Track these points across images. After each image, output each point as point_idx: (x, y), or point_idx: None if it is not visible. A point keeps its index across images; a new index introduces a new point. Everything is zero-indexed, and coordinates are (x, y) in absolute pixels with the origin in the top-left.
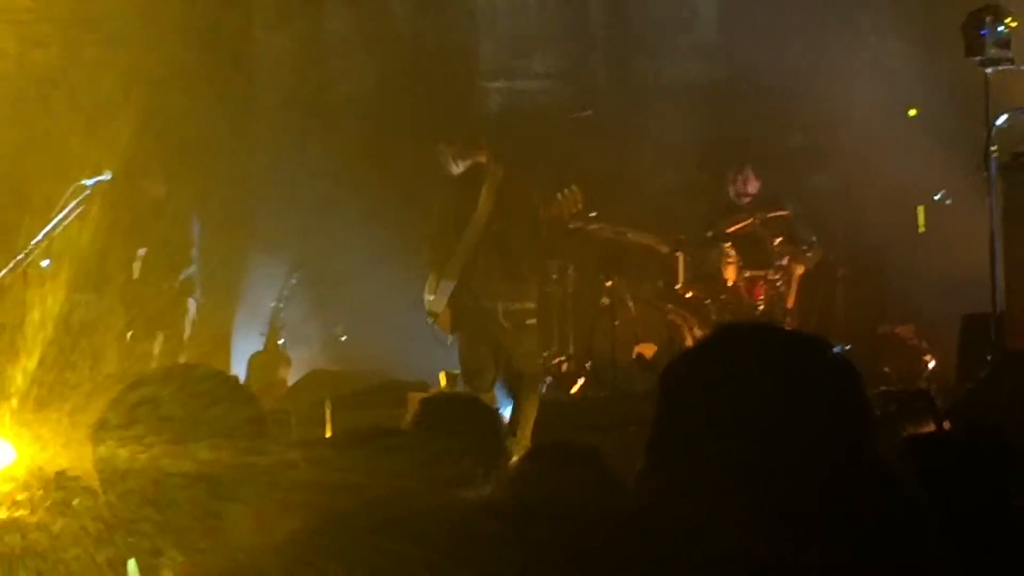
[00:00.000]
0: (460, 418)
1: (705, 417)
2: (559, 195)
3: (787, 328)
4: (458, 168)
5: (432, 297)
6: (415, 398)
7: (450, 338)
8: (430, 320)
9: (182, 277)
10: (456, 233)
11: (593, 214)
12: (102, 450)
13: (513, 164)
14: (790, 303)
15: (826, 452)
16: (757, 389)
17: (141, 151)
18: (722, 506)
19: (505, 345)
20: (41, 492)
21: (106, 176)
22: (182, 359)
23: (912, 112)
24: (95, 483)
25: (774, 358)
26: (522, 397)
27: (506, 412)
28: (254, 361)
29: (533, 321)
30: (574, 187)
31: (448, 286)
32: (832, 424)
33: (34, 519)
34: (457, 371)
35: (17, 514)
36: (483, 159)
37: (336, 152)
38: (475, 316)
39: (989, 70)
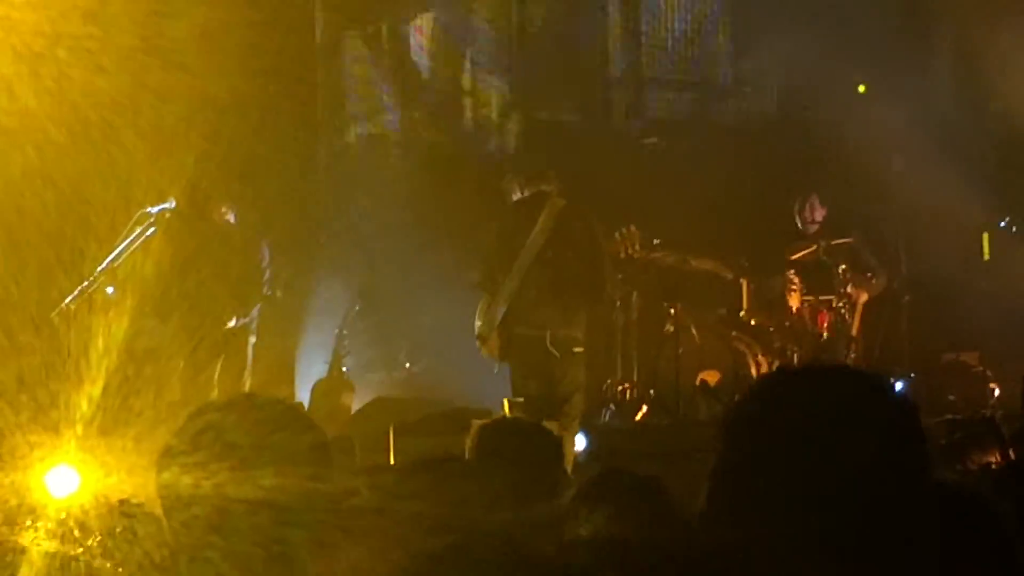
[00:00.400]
0: (520, 445)
1: (766, 461)
2: (617, 234)
3: (845, 367)
4: (521, 196)
5: (480, 322)
6: (478, 425)
7: (497, 365)
8: (478, 344)
9: (248, 305)
10: (510, 258)
11: (657, 241)
12: (166, 477)
13: (580, 190)
14: (854, 330)
15: (886, 488)
16: (815, 431)
17: (206, 178)
18: (785, 547)
19: (555, 373)
20: (105, 519)
21: (170, 204)
22: (247, 386)
23: (861, 88)
24: (159, 510)
25: (832, 400)
26: (562, 424)
27: (580, 442)
28: (318, 388)
29: (580, 350)
30: (632, 227)
31: (499, 311)
32: (891, 460)
33: (99, 546)
34: (520, 399)
35: (82, 541)
36: (548, 188)
37: (401, 179)
38: (523, 343)
39: None
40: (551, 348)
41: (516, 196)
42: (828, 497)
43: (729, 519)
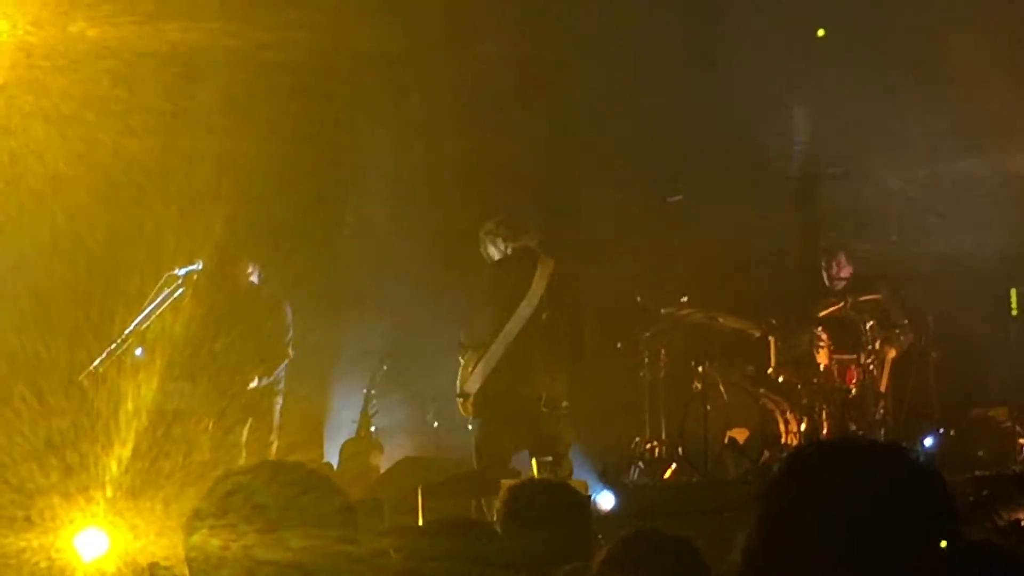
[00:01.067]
0: (549, 506)
1: (800, 535)
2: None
3: (872, 442)
4: (501, 251)
5: (465, 380)
6: (507, 486)
7: (471, 422)
8: (460, 400)
9: (272, 365)
10: (499, 319)
11: (684, 299)
12: (195, 539)
13: (605, 248)
14: (883, 387)
15: (915, 555)
16: (846, 506)
17: (234, 240)
18: None
19: (546, 432)
20: None
21: (198, 265)
22: (275, 447)
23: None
24: (187, 573)
25: (860, 474)
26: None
27: (609, 500)
28: (347, 448)
29: (567, 404)
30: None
31: (486, 369)
32: (919, 528)
33: None
34: (549, 459)
35: None
36: (531, 243)
37: (426, 239)
38: (508, 402)
39: None
40: (543, 408)
41: (498, 250)
42: (861, 567)
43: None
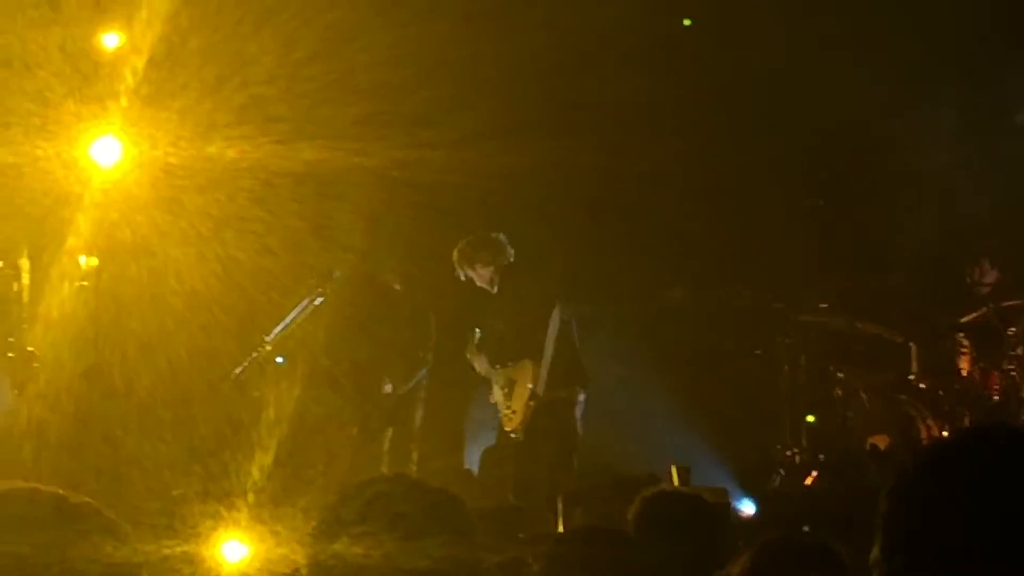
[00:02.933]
0: (683, 516)
1: (938, 525)
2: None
3: (1011, 426)
4: (493, 277)
5: (535, 386)
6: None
7: (521, 429)
8: (509, 415)
9: (411, 373)
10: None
11: (824, 305)
12: (337, 547)
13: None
14: None
15: None
16: (986, 496)
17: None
18: None
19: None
20: None
21: (336, 274)
22: (415, 457)
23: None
24: None
25: (1000, 461)
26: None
27: (749, 507)
28: (486, 456)
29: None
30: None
31: (544, 374)
32: None
33: None
34: (688, 465)
35: None
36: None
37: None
38: (559, 407)
39: None
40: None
41: (488, 271)
42: (1003, 562)
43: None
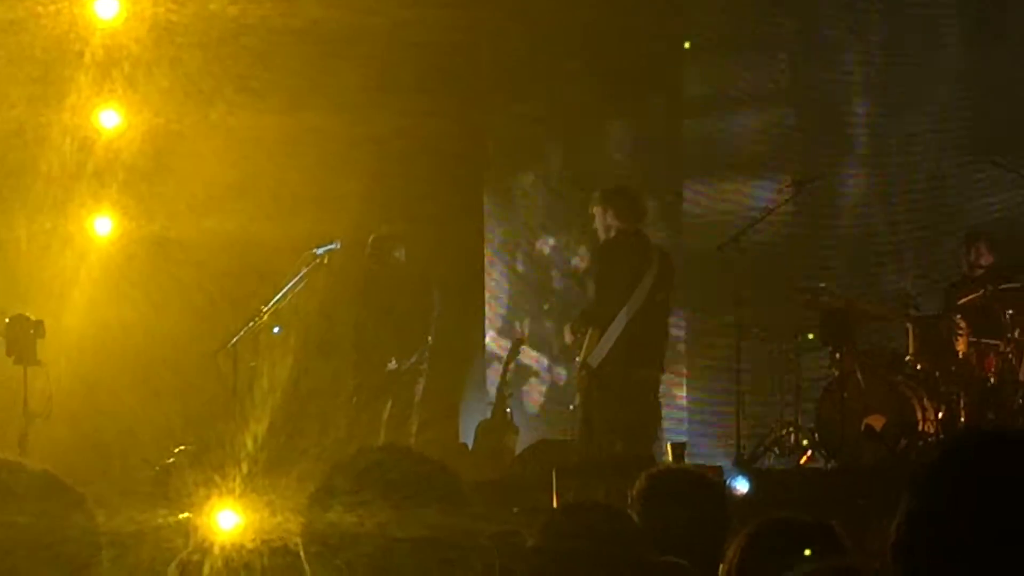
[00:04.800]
0: (686, 492)
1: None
2: None
3: None
4: (611, 230)
5: (593, 351)
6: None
7: (578, 398)
8: (581, 372)
9: (413, 349)
10: (622, 298)
11: (823, 284)
12: (330, 516)
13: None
14: (1022, 375)
15: None
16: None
17: (372, 219)
18: None
19: (656, 417)
20: (270, 559)
21: (336, 244)
22: (413, 428)
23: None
24: (322, 549)
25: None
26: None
27: (743, 485)
28: (481, 429)
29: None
30: None
31: (606, 347)
32: None
33: None
34: (683, 440)
35: None
36: (641, 226)
37: (562, 218)
38: (623, 380)
39: None
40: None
41: (612, 226)
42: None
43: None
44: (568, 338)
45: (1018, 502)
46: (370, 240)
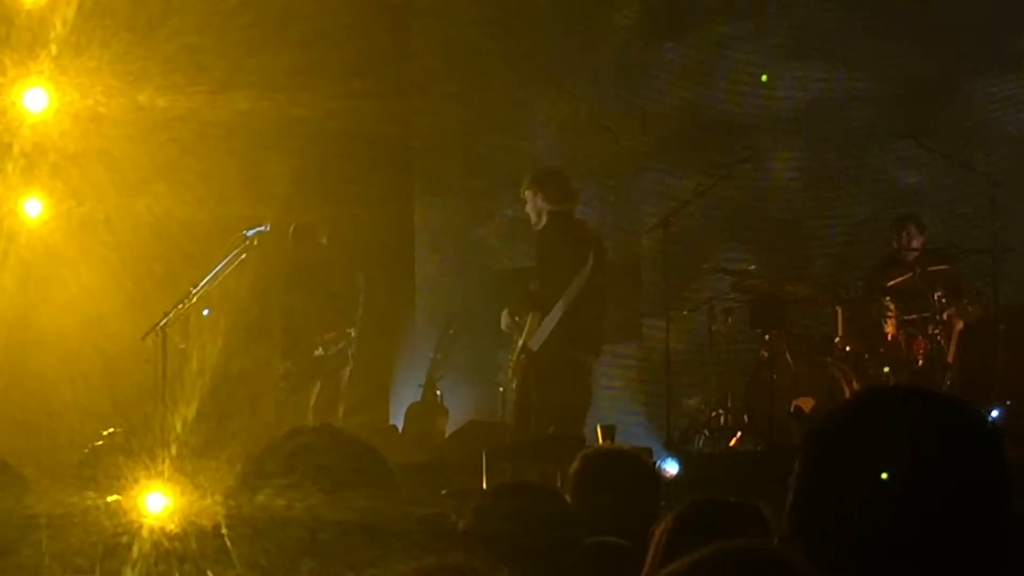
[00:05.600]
0: (620, 473)
1: (847, 481)
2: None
3: (932, 390)
4: (543, 213)
5: (534, 336)
6: (572, 451)
7: (515, 382)
8: (521, 356)
9: (339, 335)
10: (564, 281)
11: (752, 267)
12: (260, 498)
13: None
14: (950, 357)
15: (967, 516)
16: (897, 452)
17: (300, 202)
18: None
19: (588, 401)
20: (199, 542)
21: (266, 227)
22: (340, 412)
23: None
24: (251, 532)
25: (916, 421)
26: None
27: (673, 467)
28: (412, 411)
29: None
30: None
31: (546, 331)
32: (973, 487)
33: (194, 569)
34: (612, 423)
35: (176, 565)
36: (574, 206)
37: (497, 201)
38: (561, 364)
39: None
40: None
41: (544, 209)
42: (906, 522)
43: (809, 539)
44: (505, 322)
45: (898, 457)
46: (291, 229)
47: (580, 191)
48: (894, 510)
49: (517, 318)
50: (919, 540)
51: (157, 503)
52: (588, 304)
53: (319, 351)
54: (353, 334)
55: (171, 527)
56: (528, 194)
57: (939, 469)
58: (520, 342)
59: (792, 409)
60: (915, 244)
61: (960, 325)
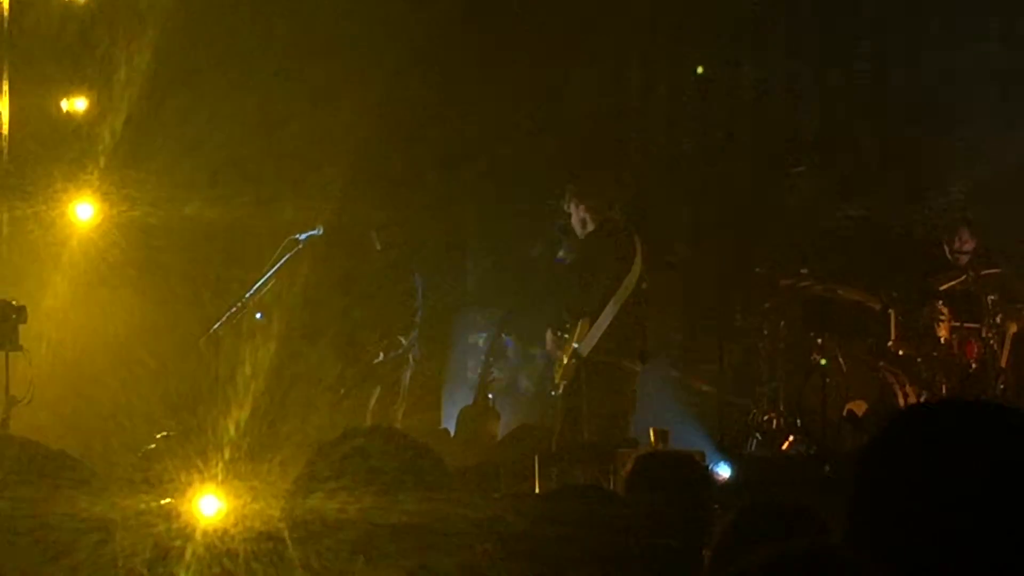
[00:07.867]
0: (674, 475)
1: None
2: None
3: (986, 401)
4: (589, 223)
5: (584, 340)
6: (623, 454)
7: (562, 386)
8: (572, 361)
9: (399, 339)
10: (612, 286)
11: (804, 270)
12: (312, 502)
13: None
14: (1003, 361)
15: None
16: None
17: (354, 205)
18: None
19: (634, 407)
20: (252, 544)
21: (318, 231)
22: (400, 415)
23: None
24: (304, 535)
25: (970, 434)
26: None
27: (725, 470)
28: (464, 415)
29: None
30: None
31: (596, 335)
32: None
33: (246, 572)
34: (666, 428)
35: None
36: (618, 217)
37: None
38: (610, 371)
39: None
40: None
41: (587, 219)
42: (963, 536)
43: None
44: (550, 340)
45: (957, 466)
46: (349, 226)
47: (616, 195)
48: (949, 524)
49: (560, 333)
50: (986, 551)
51: (211, 506)
52: (635, 308)
53: (380, 357)
54: (411, 337)
55: (225, 531)
56: (572, 204)
57: (1004, 478)
58: (569, 347)
59: (844, 413)
60: (967, 247)
61: (1014, 329)
